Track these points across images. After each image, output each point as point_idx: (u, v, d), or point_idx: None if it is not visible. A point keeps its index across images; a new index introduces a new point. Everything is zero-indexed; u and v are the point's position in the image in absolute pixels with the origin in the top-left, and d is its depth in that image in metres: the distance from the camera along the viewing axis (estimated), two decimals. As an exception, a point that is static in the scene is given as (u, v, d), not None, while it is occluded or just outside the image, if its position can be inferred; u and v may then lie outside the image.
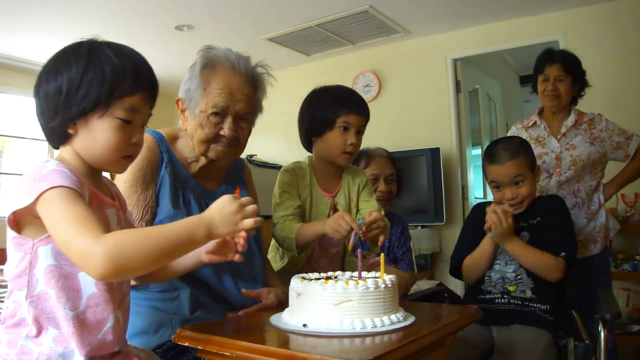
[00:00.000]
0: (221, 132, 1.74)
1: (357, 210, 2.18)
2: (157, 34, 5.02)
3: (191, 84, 1.75)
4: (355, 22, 4.88)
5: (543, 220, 2.32)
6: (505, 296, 2.25)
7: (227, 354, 1.26)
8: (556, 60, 2.87)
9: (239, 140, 1.80)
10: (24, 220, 1.15)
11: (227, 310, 1.72)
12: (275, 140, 5.88)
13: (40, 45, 5.10)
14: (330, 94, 2.14)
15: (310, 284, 1.38)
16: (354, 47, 5.57)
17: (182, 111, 1.80)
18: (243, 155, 1.98)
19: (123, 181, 1.70)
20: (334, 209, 2.14)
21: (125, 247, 1.06)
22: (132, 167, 1.69)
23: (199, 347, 1.34)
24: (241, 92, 1.75)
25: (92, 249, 1.04)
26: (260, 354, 1.20)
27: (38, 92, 1.23)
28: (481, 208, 2.50)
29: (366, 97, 5.50)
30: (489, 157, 2.41)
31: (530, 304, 2.20)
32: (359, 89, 5.62)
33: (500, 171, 2.34)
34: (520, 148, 2.37)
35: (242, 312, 1.70)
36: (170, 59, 5.53)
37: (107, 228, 1.22)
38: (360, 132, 2.10)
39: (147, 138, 1.77)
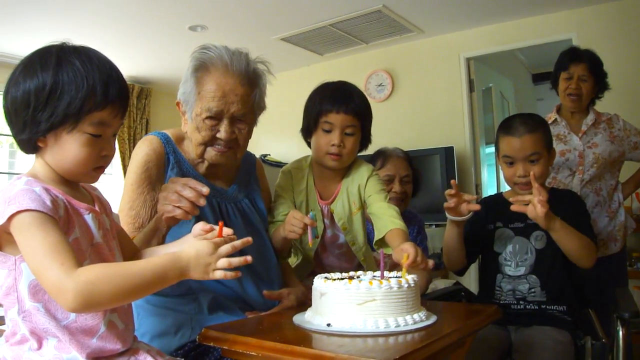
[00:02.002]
0: (218, 135, 1.72)
1: (364, 205, 2.06)
2: (170, 35, 5.03)
3: (186, 87, 1.73)
4: (369, 22, 4.88)
5: (563, 217, 2.10)
6: (521, 302, 2.18)
7: (253, 353, 1.27)
8: (582, 60, 2.85)
9: (238, 141, 1.77)
10: (1, 238, 1.16)
11: (246, 311, 1.73)
12: (287, 139, 5.89)
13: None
14: (317, 93, 2.05)
15: (333, 283, 1.39)
16: (367, 46, 5.58)
17: (183, 114, 1.78)
18: (257, 155, 1.97)
19: (130, 183, 1.71)
20: (331, 217, 2.07)
21: (96, 284, 1.07)
22: (138, 169, 1.71)
23: (224, 347, 1.35)
24: (235, 94, 1.70)
25: (64, 284, 1.05)
26: (286, 353, 1.21)
27: (6, 101, 1.21)
28: (484, 202, 2.39)
29: (379, 96, 5.53)
30: (505, 129, 2.23)
31: (547, 307, 2.14)
32: (372, 88, 5.65)
33: (516, 144, 2.16)
34: (539, 124, 2.21)
35: (264, 314, 1.71)
36: (183, 60, 5.50)
37: (88, 236, 1.24)
38: (349, 134, 1.98)
39: (153, 140, 1.77)
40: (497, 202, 2.36)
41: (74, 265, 1.07)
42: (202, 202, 1.50)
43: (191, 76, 1.72)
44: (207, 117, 1.69)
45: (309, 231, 1.75)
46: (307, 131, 2.07)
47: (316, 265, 2.11)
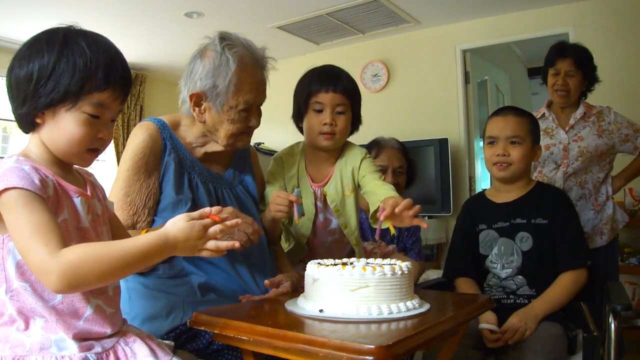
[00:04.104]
0: (250, 124, 1.80)
1: (358, 188, 2.05)
2: (166, 21, 4.99)
3: (218, 81, 1.71)
4: (365, 12, 4.85)
5: (551, 223, 2.19)
6: (511, 296, 2.19)
7: (244, 338, 1.27)
8: (568, 55, 2.86)
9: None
10: None
11: (239, 294, 1.72)
12: (282, 128, 5.81)
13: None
14: (305, 77, 2.07)
15: (327, 269, 1.38)
16: (363, 36, 5.55)
17: (197, 104, 1.76)
18: (251, 143, 2.00)
19: (126, 169, 1.71)
20: (323, 200, 2.06)
21: (80, 264, 1.06)
22: (135, 156, 1.71)
23: (215, 331, 1.34)
24: (263, 84, 1.81)
25: (48, 265, 1.05)
26: (278, 338, 1.21)
27: (10, 76, 1.22)
28: (468, 205, 2.45)
29: (374, 86, 5.53)
30: (494, 113, 2.36)
31: None
32: (367, 78, 5.64)
33: (500, 123, 2.26)
34: (528, 115, 2.31)
35: (259, 298, 1.70)
36: (179, 47, 5.51)
37: (75, 219, 1.23)
38: (340, 112, 1.97)
39: (150, 126, 1.77)
40: (480, 203, 2.40)
41: (58, 246, 1.07)
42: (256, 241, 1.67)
43: (232, 71, 1.71)
44: (243, 109, 1.75)
45: (295, 208, 1.76)
46: (298, 115, 2.07)
47: (308, 255, 2.10)
